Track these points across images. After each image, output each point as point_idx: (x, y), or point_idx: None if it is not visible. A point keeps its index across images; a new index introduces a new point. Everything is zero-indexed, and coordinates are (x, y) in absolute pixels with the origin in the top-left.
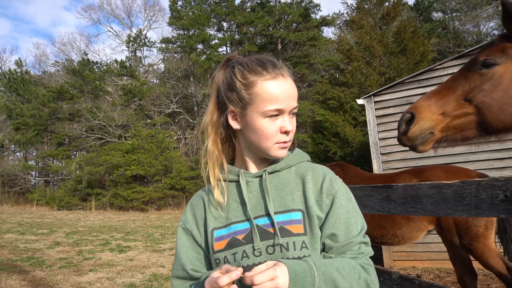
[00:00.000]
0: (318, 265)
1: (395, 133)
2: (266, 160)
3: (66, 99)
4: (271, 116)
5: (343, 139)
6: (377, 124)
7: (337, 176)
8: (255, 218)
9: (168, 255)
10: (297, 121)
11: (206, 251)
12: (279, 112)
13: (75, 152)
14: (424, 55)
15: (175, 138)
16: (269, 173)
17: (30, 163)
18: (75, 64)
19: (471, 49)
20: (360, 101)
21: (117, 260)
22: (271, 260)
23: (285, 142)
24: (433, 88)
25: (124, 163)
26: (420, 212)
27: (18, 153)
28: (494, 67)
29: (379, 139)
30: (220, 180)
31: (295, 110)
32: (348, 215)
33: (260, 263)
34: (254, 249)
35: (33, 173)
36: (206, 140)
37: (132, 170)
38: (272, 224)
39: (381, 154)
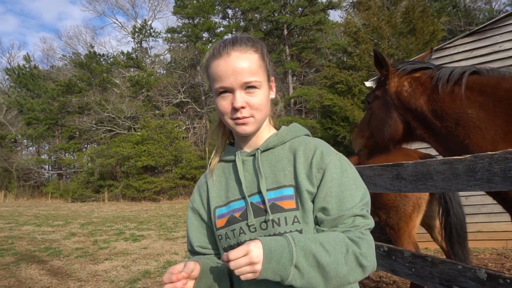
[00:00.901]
0: (297, 240)
1: None
2: (252, 138)
3: (74, 92)
4: (221, 93)
5: (352, 123)
6: None
7: (332, 149)
8: (249, 196)
9: (181, 242)
10: (305, 107)
11: (211, 228)
12: (228, 90)
13: (86, 145)
14: (434, 34)
15: (183, 128)
16: (263, 151)
17: (43, 157)
18: (82, 57)
19: (482, 25)
20: (368, 84)
21: (131, 248)
22: (265, 235)
23: (238, 118)
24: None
25: (135, 154)
26: (431, 188)
27: (31, 148)
28: (370, 104)
29: None
30: (221, 161)
31: (251, 85)
32: (342, 188)
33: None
34: (249, 226)
35: (46, 166)
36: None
37: (142, 161)
38: (264, 201)
39: None
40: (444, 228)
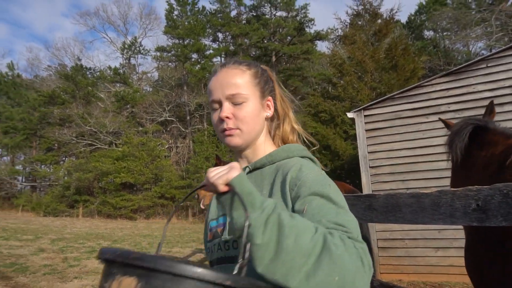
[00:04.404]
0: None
1: (384, 147)
2: (248, 155)
3: (57, 104)
4: (213, 107)
5: (333, 151)
6: (367, 137)
7: (313, 165)
8: None
9: None
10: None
11: None
12: (218, 103)
13: (64, 158)
14: (414, 71)
15: (166, 146)
16: (252, 170)
17: (17, 167)
18: (68, 69)
19: (458, 67)
20: (350, 115)
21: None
22: (228, 256)
23: (225, 130)
24: (421, 103)
25: (114, 170)
26: (400, 220)
27: (5, 157)
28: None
29: (368, 153)
30: None
31: (237, 97)
32: (322, 202)
33: (229, 257)
34: (225, 242)
35: (20, 178)
36: None
37: (121, 177)
38: (234, 221)
39: (370, 167)
40: None
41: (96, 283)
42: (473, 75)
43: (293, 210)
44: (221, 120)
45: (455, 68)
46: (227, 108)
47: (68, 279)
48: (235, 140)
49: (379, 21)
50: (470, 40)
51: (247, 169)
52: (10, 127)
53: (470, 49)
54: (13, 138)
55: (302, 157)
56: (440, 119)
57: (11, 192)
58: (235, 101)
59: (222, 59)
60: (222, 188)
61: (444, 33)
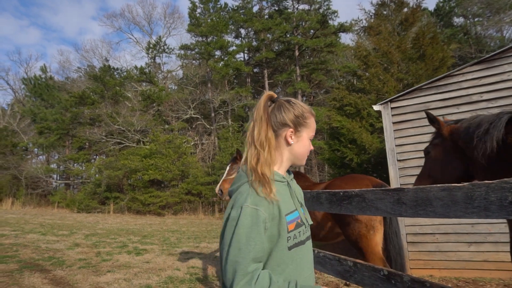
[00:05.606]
0: None
1: (412, 139)
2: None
3: (87, 104)
4: (310, 138)
5: (359, 145)
6: (394, 130)
7: None
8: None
9: (184, 258)
10: None
11: (275, 233)
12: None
13: (95, 156)
14: (443, 61)
15: (192, 143)
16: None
17: (52, 166)
18: (97, 70)
19: (490, 54)
20: (376, 107)
21: (134, 262)
22: (308, 234)
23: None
24: (451, 94)
25: (142, 167)
26: (430, 214)
27: (41, 156)
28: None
29: (395, 146)
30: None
31: None
32: None
33: (307, 236)
34: (306, 228)
35: (55, 176)
36: (264, 150)
37: (149, 174)
38: (304, 212)
39: (397, 160)
40: (384, 252)
41: (127, 277)
42: (507, 62)
43: None
44: (310, 149)
45: (487, 56)
46: None
47: (102, 272)
48: None
49: (405, 9)
50: (504, 25)
51: (293, 180)
52: (45, 128)
53: (504, 35)
54: (48, 138)
55: None
56: (425, 112)
57: (47, 190)
58: None
59: (245, 55)
60: None
61: (475, 19)
